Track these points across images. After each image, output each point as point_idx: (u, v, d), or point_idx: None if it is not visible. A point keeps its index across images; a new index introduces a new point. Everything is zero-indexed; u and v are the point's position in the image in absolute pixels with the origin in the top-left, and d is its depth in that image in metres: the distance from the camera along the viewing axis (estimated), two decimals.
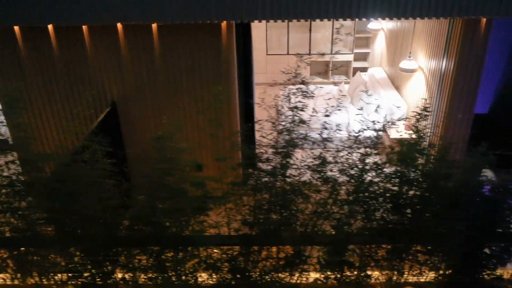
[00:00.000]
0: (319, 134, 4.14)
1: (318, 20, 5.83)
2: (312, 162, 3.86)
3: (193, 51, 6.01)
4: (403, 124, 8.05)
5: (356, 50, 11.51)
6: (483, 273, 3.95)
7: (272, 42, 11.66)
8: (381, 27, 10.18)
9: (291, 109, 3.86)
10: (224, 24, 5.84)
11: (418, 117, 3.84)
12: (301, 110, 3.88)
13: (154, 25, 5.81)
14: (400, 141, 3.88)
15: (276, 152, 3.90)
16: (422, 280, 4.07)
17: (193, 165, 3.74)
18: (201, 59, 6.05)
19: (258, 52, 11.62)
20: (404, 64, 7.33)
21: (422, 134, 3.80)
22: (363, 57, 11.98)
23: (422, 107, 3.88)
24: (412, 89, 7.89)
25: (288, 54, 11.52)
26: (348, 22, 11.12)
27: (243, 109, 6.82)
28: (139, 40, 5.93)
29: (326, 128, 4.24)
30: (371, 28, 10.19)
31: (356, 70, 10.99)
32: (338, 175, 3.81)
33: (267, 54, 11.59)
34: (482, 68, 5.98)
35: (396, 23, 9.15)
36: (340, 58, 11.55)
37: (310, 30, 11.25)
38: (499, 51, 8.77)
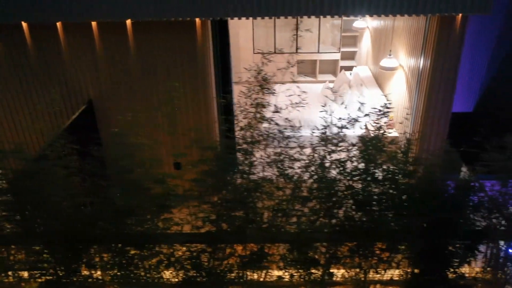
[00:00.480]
0: (291, 131, 4.11)
1: (306, 18, 5.82)
2: (275, 159, 3.83)
3: (168, 48, 5.99)
4: (385, 122, 8.03)
5: (344, 49, 11.50)
6: (448, 271, 3.94)
7: (260, 41, 11.64)
8: (366, 26, 10.16)
9: (253, 106, 3.81)
10: (198, 21, 5.82)
11: (379, 114, 3.81)
12: (263, 107, 3.83)
13: (128, 23, 5.79)
14: (362, 138, 3.86)
15: (241, 149, 3.89)
16: (387, 278, 4.05)
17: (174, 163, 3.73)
18: (176, 57, 6.03)
19: (245, 51, 11.61)
20: (385, 62, 7.32)
21: (382, 131, 3.78)
22: (351, 55, 11.97)
23: (383, 104, 3.85)
24: (394, 88, 7.88)
25: (275, 53, 11.48)
26: (337, 21, 11.11)
27: (221, 107, 6.78)
28: (113, 38, 5.90)
29: (294, 126, 4.20)
30: (356, 27, 10.18)
31: (344, 68, 10.98)
32: (300, 173, 3.79)
33: (254, 53, 11.56)
34: (458, 66, 5.96)
35: (380, 21, 9.14)
36: (327, 57, 11.54)
37: (296, 29, 11.24)
38: (484, 49, 8.77)
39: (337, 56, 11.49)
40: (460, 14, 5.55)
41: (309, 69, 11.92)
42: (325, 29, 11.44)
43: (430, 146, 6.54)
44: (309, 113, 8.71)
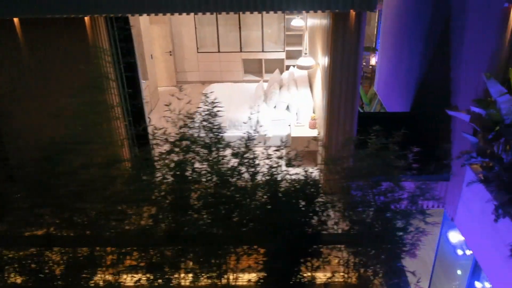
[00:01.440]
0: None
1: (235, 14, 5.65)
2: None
3: (59, 48, 5.82)
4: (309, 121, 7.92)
5: (289, 48, 11.38)
6: (299, 277, 3.80)
7: (205, 40, 11.52)
8: (304, 24, 10.04)
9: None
10: (87, 19, 5.66)
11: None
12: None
13: (16, 20, 5.63)
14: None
15: None
16: (239, 283, 3.92)
17: None
18: (67, 57, 5.86)
19: (189, 49, 11.47)
20: (300, 61, 7.20)
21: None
22: (298, 54, 11.84)
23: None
24: (317, 87, 7.76)
25: (219, 52, 11.35)
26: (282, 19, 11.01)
27: (128, 109, 6.61)
28: (2, 37, 5.75)
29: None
30: (294, 26, 10.05)
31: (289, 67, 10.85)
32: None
33: (198, 52, 11.42)
34: (358, 64, 5.83)
35: (313, 19, 9.01)
36: (272, 56, 11.41)
37: (239, 27, 11.10)
38: (417, 47, 8.65)
39: (282, 55, 11.36)
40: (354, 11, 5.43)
41: (256, 68, 11.77)
42: (269, 28, 11.31)
43: (337, 146, 6.42)
44: (237, 113, 8.60)
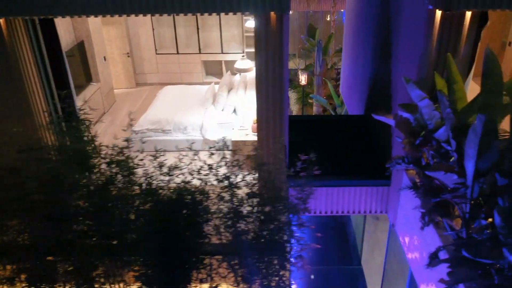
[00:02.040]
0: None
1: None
2: None
3: None
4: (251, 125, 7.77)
5: (249, 50, 11.22)
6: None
7: (164, 41, 11.38)
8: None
9: None
10: (2, 21, 5.49)
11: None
12: None
13: None
14: None
15: None
16: None
17: None
18: None
19: (147, 51, 11.31)
20: (238, 63, 7.04)
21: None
22: None
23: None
24: None
25: (178, 53, 11.19)
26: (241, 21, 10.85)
27: (54, 114, 6.43)
28: None
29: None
30: (247, 27, 9.91)
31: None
32: None
33: (157, 54, 11.25)
34: (283, 67, 5.67)
35: None
36: (232, 57, 11.25)
37: (197, 28, 10.95)
38: (367, 49, 8.52)
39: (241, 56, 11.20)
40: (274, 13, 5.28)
41: (217, 70, 11.62)
42: (228, 29, 11.16)
43: (269, 150, 6.26)
44: (184, 116, 8.45)
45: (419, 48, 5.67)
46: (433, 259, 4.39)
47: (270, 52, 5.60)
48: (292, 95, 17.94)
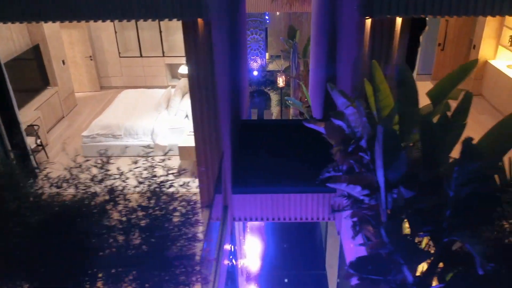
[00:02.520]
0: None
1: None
2: None
3: None
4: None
5: None
6: None
7: (127, 44, 11.28)
8: None
9: None
10: None
11: None
12: None
13: None
14: None
15: None
16: None
17: None
18: None
19: (111, 54, 11.21)
20: (181, 69, 6.95)
21: None
22: None
23: None
24: None
25: (141, 56, 11.08)
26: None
27: None
28: None
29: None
30: None
31: None
32: None
33: (120, 57, 11.15)
34: (214, 73, 5.57)
35: None
36: None
37: (160, 32, 10.84)
38: (322, 53, 8.44)
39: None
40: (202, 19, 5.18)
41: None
42: None
43: (207, 158, 6.17)
44: (136, 120, 8.35)
45: (353, 54, 5.60)
46: (347, 272, 4.30)
47: (200, 57, 5.50)
48: (274, 97, 17.87)
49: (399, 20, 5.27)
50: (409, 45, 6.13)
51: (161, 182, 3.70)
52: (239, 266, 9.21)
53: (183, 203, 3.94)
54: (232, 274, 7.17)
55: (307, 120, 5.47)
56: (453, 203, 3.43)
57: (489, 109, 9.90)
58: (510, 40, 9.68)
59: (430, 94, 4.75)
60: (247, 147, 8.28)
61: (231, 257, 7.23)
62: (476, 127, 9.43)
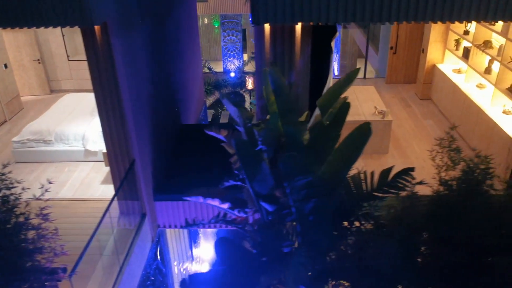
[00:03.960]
0: None
1: None
2: None
3: None
4: None
5: None
6: None
7: (77, 47, 11.20)
8: None
9: None
10: None
11: None
12: None
13: None
14: None
15: None
16: None
17: None
18: None
19: (59, 57, 11.11)
20: None
21: None
22: None
23: None
24: None
25: None
26: None
27: None
28: None
29: None
30: None
31: None
32: None
33: (69, 60, 11.05)
34: (118, 80, 5.50)
35: None
36: None
37: None
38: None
39: None
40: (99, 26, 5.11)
41: None
42: None
43: (119, 165, 6.09)
44: (69, 125, 8.24)
45: (258, 62, 5.52)
46: None
47: (101, 65, 5.43)
48: (248, 99, 17.78)
49: (298, 27, 5.20)
50: (322, 52, 6.07)
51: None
52: (182, 271, 9.12)
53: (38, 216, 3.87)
54: (155, 281, 7.08)
55: (208, 128, 5.39)
56: (299, 218, 3.34)
57: (436, 114, 9.84)
58: (456, 44, 9.63)
59: (319, 103, 4.69)
60: (182, 152, 8.20)
61: (156, 264, 7.14)
62: (418, 133, 9.36)
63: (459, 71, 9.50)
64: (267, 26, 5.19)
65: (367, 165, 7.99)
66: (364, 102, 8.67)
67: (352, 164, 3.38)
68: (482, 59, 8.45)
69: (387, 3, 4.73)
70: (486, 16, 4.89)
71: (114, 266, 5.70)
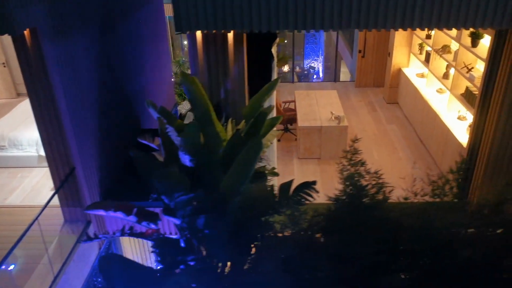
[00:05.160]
0: None
1: None
2: None
3: None
4: None
5: None
6: None
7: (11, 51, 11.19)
8: None
9: None
10: None
11: None
12: None
13: None
14: None
15: None
16: None
17: None
18: None
19: None
20: None
21: None
22: None
23: None
24: None
25: None
26: None
27: None
28: None
29: None
30: None
31: None
32: None
33: (3, 66, 11.01)
34: (52, 86, 5.43)
35: None
36: None
37: None
38: None
39: None
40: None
41: None
42: None
43: (59, 171, 6.04)
44: (25, 130, 8.18)
45: (192, 68, 5.47)
46: None
47: (34, 72, 5.37)
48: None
49: (231, 35, 5.15)
50: (262, 58, 6.03)
51: None
52: None
53: None
54: None
55: (141, 136, 5.34)
56: (192, 233, 3.29)
57: (400, 119, 9.80)
58: (420, 48, 9.59)
59: (243, 112, 4.65)
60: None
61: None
62: (379, 138, 9.29)
63: (422, 76, 9.47)
64: (198, 34, 5.14)
65: (323, 171, 8.01)
66: (323, 107, 8.62)
67: (247, 177, 3.32)
68: (441, 63, 8.42)
69: (318, 11, 4.70)
70: (438, 23, 4.89)
71: (50, 275, 5.64)
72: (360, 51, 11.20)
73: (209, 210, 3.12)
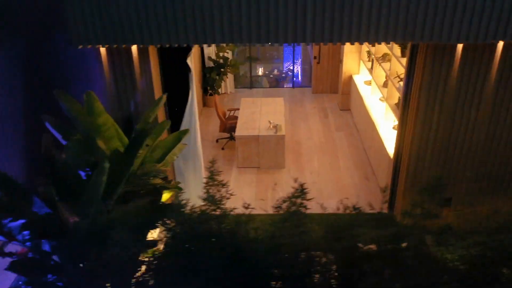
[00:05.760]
0: None
1: None
2: None
3: None
4: None
5: None
6: None
7: None
8: None
9: None
10: None
11: None
12: None
13: None
14: None
15: None
16: None
17: None
18: None
19: None
20: None
21: None
22: None
23: None
24: None
25: None
26: None
27: None
28: None
29: None
30: None
31: None
32: None
33: None
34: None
35: None
36: None
37: None
38: None
39: None
40: None
41: None
42: None
43: None
44: None
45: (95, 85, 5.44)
46: None
47: None
48: None
49: (134, 48, 5.12)
50: (178, 70, 6.00)
51: None
52: None
53: None
54: None
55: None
56: (40, 258, 3.26)
57: (350, 126, 9.78)
58: (368, 55, 9.57)
59: (138, 127, 4.61)
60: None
61: None
62: (325, 146, 9.22)
63: (369, 83, 9.45)
64: (102, 48, 5.10)
65: (260, 181, 7.97)
66: (266, 115, 8.57)
67: (96, 201, 3.26)
68: (382, 72, 8.40)
69: (226, 25, 4.69)
70: (377, 38, 4.99)
71: None
72: (315, 57, 11.17)
73: (51, 234, 3.09)
